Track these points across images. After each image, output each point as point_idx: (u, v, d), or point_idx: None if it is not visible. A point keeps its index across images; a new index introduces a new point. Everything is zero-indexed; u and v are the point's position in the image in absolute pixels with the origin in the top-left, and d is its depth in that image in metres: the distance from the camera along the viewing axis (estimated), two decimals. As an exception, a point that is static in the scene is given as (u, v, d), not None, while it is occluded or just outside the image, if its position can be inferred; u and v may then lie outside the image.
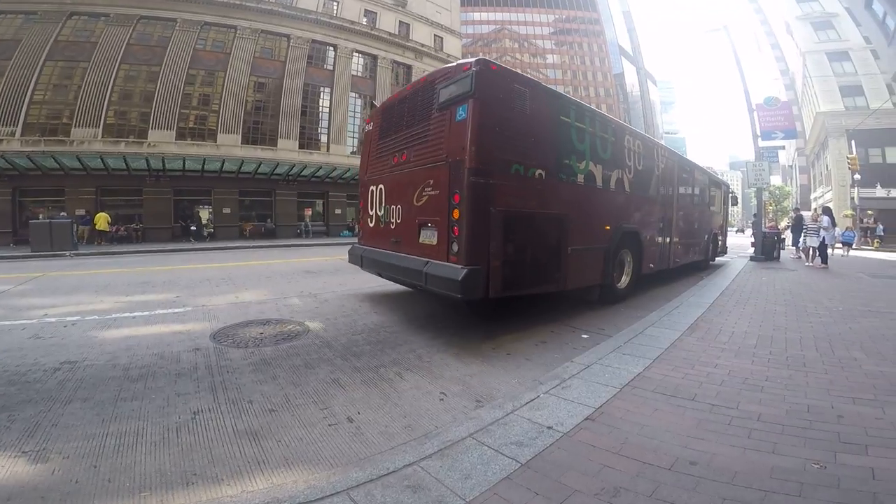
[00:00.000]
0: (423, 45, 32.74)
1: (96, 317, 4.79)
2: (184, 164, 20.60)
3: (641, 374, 2.83)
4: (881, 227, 22.66)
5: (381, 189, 5.26)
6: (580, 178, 5.16)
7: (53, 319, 4.66)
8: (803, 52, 34.79)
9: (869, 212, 27.80)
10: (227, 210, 23.30)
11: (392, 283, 6.01)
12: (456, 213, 3.82)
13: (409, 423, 2.43)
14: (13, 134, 19.82)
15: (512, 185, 4.12)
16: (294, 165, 23.08)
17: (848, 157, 24.69)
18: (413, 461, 1.85)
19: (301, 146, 26.07)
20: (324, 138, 27.48)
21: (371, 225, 5.57)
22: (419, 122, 4.55)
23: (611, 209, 5.82)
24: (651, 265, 7.10)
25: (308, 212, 25.60)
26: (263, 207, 25.01)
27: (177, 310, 5.18)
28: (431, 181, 4.19)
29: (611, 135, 5.83)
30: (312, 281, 7.56)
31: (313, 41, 27.00)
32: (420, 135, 4.49)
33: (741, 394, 2.52)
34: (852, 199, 26.84)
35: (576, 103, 5.29)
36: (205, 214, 22.86)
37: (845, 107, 31.38)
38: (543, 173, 4.50)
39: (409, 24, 32.77)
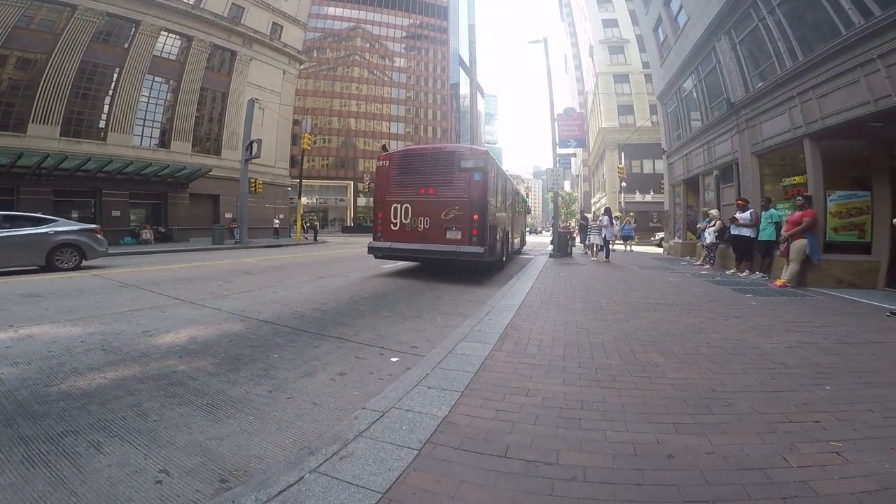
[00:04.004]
0: (255, 32, 28.82)
1: None
2: None
3: (447, 418, 2.19)
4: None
5: (406, 207, 8.47)
6: (499, 204, 9.77)
7: None
8: (598, 73, 41.62)
9: (631, 213, 35.27)
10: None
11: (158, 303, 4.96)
12: (475, 224, 7.90)
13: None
14: None
15: (490, 209, 8.42)
16: (48, 156, 17.26)
17: (618, 168, 30.56)
18: None
19: (65, 133, 19.99)
20: (102, 125, 21.60)
21: (395, 228, 8.55)
22: (443, 174, 8.28)
23: (503, 219, 10.42)
24: (509, 249, 11.90)
25: (74, 215, 19.68)
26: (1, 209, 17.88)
27: None
28: (457, 206, 8.04)
29: (503, 180, 11.08)
30: (30, 308, 5.23)
31: (109, 14, 21.24)
32: (446, 181, 8.23)
33: (559, 436, 2.06)
34: (620, 203, 33.51)
35: (498, 166, 10.11)
36: None
37: (620, 124, 38.92)
38: (495, 203, 9.17)
39: (244, 8, 28.47)
